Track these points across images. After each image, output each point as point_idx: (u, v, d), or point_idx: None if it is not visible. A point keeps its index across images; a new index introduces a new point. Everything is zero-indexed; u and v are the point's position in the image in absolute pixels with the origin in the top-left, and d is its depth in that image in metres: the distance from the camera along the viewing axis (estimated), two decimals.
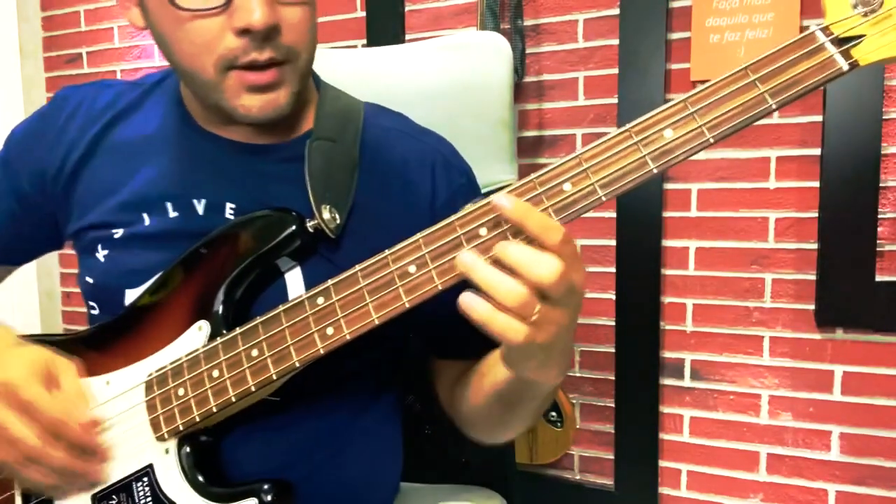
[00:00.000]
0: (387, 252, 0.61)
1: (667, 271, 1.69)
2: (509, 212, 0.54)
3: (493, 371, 0.72)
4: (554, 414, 1.66)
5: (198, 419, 0.68)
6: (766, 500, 1.66)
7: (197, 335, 0.71)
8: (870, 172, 1.47)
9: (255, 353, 0.66)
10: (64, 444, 0.68)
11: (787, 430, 1.62)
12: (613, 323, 1.74)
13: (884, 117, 1.46)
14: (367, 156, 0.79)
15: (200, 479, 0.69)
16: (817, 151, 1.52)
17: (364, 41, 1.89)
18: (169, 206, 0.77)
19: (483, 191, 0.88)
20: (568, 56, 1.71)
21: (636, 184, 0.55)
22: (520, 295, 0.52)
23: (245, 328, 0.67)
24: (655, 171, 0.55)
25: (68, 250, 0.87)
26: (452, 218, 0.58)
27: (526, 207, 0.54)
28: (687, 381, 1.70)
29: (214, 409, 0.68)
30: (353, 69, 1.13)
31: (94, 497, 0.73)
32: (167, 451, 0.70)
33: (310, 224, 0.71)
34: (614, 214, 1.70)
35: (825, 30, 0.54)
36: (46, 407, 0.67)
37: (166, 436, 0.70)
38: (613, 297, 1.73)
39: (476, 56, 1.07)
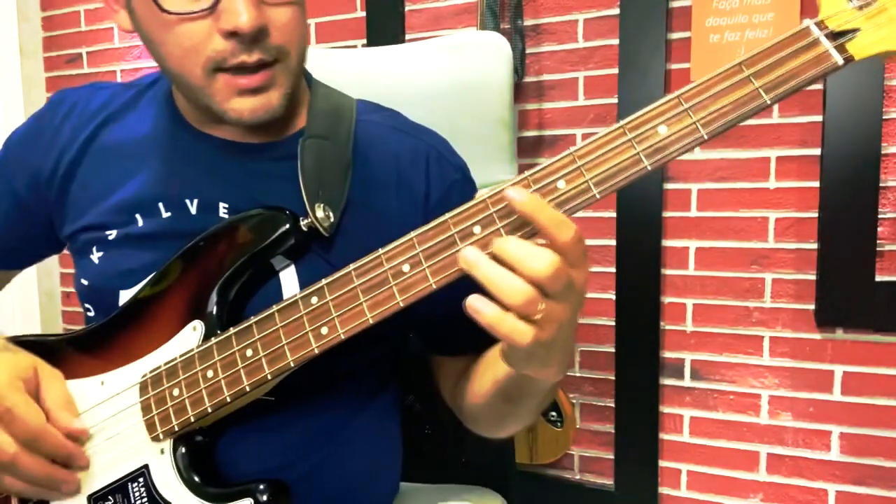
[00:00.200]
0: (380, 251, 0.60)
1: (667, 271, 1.69)
2: (521, 204, 0.52)
3: (494, 367, 0.71)
4: (554, 414, 1.65)
5: (193, 419, 0.68)
6: (766, 500, 1.65)
7: (191, 335, 0.71)
8: (870, 172, 1.47)
9: (249, 353, 0.66)
10: (42, 453, 0.69)
11: (787, 430, 1.62)
12: (613, 323, 1.74)
13: (884, 117, 1.45)
14: (360, 153, 0.78)
15: (196, 479, 0.69)
16: (817, 151, 1.52)
17: (364, 41, 1.89)
18: (161, 206, 0.77)
19: (480, 190, 0.88)
20: (568, 56, 1.71)
21: (630, 181, 0.55)
22: (524, 291, 0.51)
23: (239, 328, 0.67)
24: (650, 168, 0.54)
25: (68, 251, 0.87)
26: (446, 216, 0.58)
27: (538, 201, 0.53)
28: (687, 381, 1.70)
29: (209, 410, 0.67)
30: (352, 69, 1.13)
31: (89, 498, 0.73)
32: (162, 452, 0.70)
33: (303, 222, 0.71)
34: (614, 214, 1.70)
35: (820, 24, 0.53)
36: (25, 415, 0.67)
37: (161, 436, 0.70)
38: (613, 297, 1.73)
39: (476, 56, 1.07)
